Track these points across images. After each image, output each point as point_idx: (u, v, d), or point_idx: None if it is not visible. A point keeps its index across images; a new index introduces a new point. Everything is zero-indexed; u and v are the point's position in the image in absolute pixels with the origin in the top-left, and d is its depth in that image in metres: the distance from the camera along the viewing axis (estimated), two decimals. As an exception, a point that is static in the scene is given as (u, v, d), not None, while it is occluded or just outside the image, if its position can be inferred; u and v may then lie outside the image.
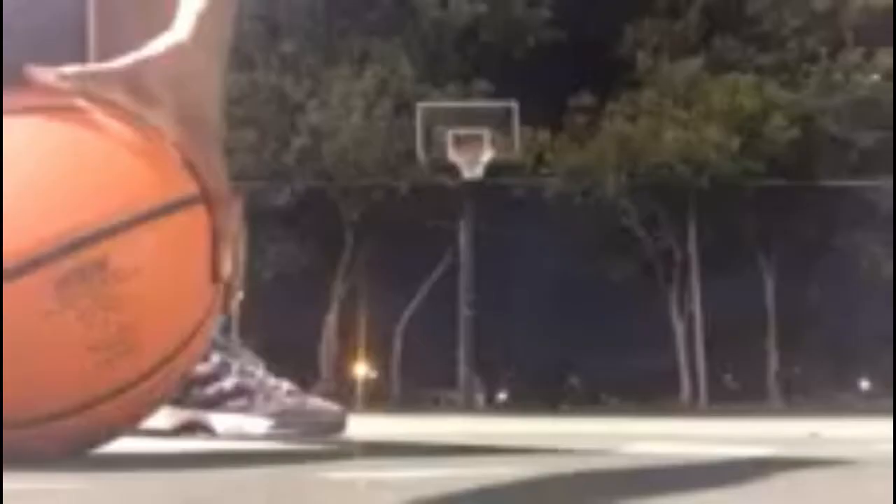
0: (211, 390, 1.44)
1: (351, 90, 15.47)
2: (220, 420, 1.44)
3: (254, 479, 0.75)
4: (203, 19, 0.78)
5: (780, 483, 0.69)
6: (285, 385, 1.50)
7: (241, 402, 1.44)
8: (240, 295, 1.65)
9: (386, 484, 0.69)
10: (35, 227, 0.63)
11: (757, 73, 16.21)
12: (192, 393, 1.43)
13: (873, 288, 16.22)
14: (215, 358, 1.45)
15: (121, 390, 0.68)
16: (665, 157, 15.05)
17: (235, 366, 1.47)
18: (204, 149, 0.75)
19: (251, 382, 1.46)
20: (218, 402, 1.44)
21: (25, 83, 0.77)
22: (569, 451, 1.15)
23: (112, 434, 0.79)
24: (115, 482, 0.72)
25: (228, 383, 1.45)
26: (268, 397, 1.45)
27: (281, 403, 1.45)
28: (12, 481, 0.61)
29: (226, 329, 1.50)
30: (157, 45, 0.76)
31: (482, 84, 16.38)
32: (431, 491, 0.63)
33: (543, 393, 21.41)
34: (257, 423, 1.43)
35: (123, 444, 1.14)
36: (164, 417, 1.42)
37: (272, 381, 1.49)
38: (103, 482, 0.71)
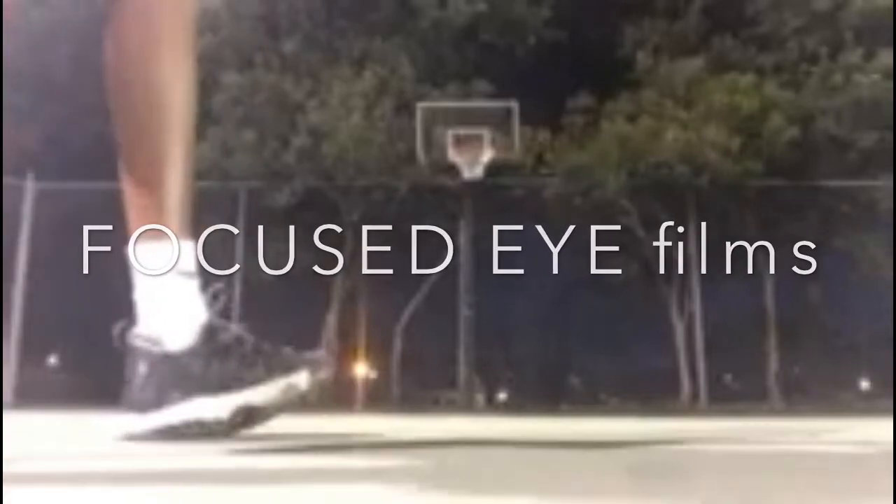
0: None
1: (351, 90, 15.45)
2: (266, 392, 1.42)
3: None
4: None
5: (780, 482, 0.69)
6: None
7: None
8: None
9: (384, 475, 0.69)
10: None
11: (757, 73, 16.19)
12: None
13: (873, 288, 16.21)
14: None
15: None
16: (665, 157, 15.04)
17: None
18: None
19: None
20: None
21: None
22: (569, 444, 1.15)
23: None
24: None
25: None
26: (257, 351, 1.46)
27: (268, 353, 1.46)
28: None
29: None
30: None
31: (482, 84, 16.37)
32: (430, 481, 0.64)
33: (543, 393, 21.40)
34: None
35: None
36: (208, 409, 1.37)
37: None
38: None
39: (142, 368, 1.37)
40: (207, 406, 1.36)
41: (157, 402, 1.35)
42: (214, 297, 1.45)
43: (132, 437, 1.34)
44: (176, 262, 1.41)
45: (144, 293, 1.42)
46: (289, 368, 1.44)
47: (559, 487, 0.65)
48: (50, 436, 1.84)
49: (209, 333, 1.41)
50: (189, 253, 1.44)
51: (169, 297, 1.41)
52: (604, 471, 0.80)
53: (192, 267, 1.45)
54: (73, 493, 0.65)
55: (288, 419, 1.85)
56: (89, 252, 13.20)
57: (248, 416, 1.39)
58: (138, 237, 1.43)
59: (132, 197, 1.44)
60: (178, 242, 1.42)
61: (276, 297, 15.49)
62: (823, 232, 16.55)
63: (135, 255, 1.43)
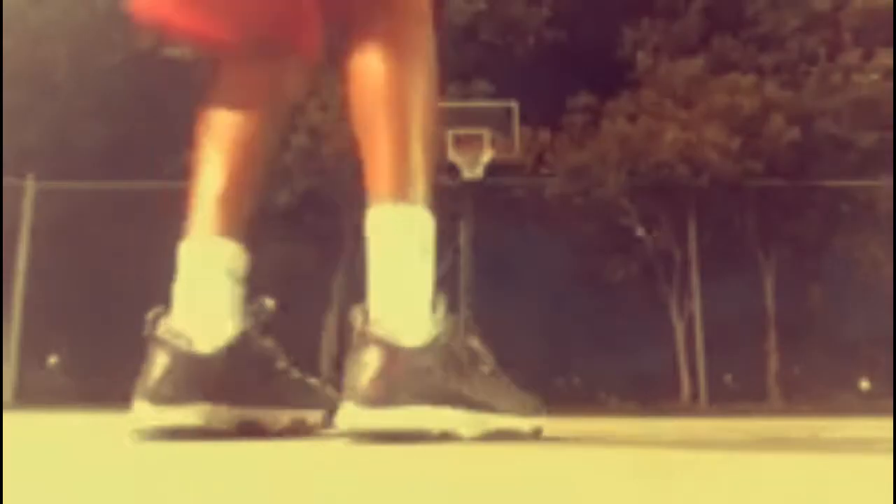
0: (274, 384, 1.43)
1: (351, 90, 15.45)
2: (276, 416, 1.42)
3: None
4: None
5: (779, 483, 0.69)
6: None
7: (304, 396, 1.44)
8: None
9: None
10: None
11: (757, 73, 16.20)
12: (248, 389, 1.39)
13: (873, 288, 16.21)
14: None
15: None
16: (665, 157, 15.05)
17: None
18: None
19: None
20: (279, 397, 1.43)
21: None
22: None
23: None
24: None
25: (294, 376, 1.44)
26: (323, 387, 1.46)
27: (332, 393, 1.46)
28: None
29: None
30: None
31: (482, 84, 16.37)
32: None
33: (543, 393, 21.37)
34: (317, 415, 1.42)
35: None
36: (219, 418, 1.35)
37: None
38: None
39: (164, 361, 1.30)
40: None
41: (174, 399, 1.29)
42: (258, 311, 1.41)
43: (143, 434, 1.29)
44: (224, 262, 1.37)
45: (185, 287, 1.37)
46: (308, 404, 1.43)
47: (559, 486, 0.65)
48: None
49: (242, 344, 1.38)
50: (240, 256, 1.41)
51: (210, 295, 1.36)
52: (603, 470, 0.80)
53: (241, 271, 1.40)
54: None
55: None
56: (89, 252, 13.17)
57: (251, 432, 1.37)
58: (190, 230, 1.41)
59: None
60: (231, 242, 1.39)
61: (276, 296, 15.48)
62: (823, 232, 16.57)
63: (184, 247, 1.41)
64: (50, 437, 1.76)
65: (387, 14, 1.40)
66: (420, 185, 1.32)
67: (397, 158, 1.32)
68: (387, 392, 1.22)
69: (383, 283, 1.30)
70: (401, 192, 1.30)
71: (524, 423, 1.34)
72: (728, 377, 22.95)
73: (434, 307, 1.30)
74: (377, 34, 1.40)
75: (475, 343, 1.36)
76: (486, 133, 10.23)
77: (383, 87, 1.38)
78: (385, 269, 1.31)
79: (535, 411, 1.38)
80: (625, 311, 20.41)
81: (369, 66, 1.40)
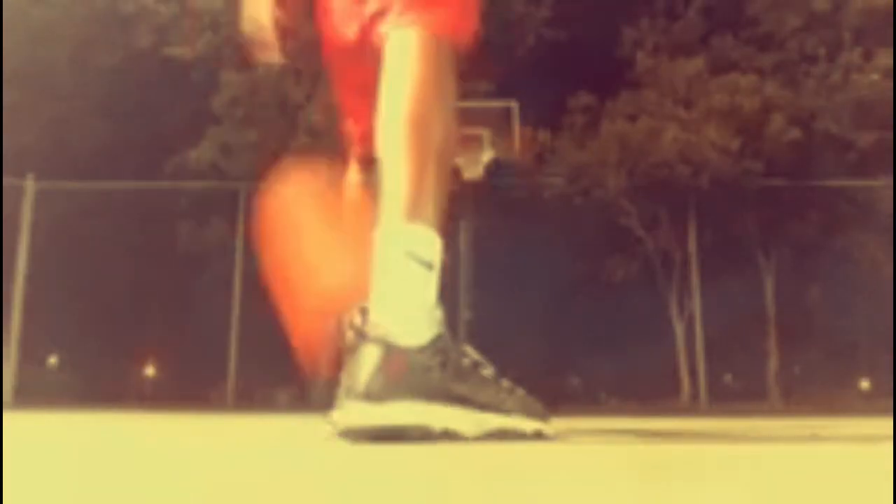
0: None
1: (351, 90, 15.44)
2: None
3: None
4: None
5: (780, 483, 0.69)
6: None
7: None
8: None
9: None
10: None
11: (757, 73, 16.19)
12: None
13: (873, 288, 16.21)
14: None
15: None
16: (665, 157, 15.04)
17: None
18: None
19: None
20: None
21: None
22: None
23: None
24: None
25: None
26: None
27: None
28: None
29: None
30: None
31: (482, 84, 16.36)
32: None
33: (543, 393, 21.37)
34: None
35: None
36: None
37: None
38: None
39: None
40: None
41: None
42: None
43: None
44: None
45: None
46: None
47: (559, 486, 0.65)
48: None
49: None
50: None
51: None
52: (603, 470, 0.80)
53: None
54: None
55: (291, 418, 1.86)
56: (89, 252, 13.15)
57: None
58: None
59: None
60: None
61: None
62: (823, 232, 16.56)
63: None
64: (50, 436, 1.76)
65: (419, 40, 1.52)
66: (431, 208, 1.41)
67: (414, 182, 1.41)
68: (385, 389, 1.25)
69: (386, 291, 1.35)
70: (413, 213, 1.38)
71: (526, 425, 1.37)
72: (728, 377, 22.95)
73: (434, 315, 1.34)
74: (409, 57, 1.51)
75: (471, 351, 1.40)
76: (486, 133, 10.23)
77: (410, 112, 1.47)
78: (389, 281, 1.35)
79: (539, 414, 1.40)
80: (625, 311, 20.41)
81: (399, 89, 1.50)
